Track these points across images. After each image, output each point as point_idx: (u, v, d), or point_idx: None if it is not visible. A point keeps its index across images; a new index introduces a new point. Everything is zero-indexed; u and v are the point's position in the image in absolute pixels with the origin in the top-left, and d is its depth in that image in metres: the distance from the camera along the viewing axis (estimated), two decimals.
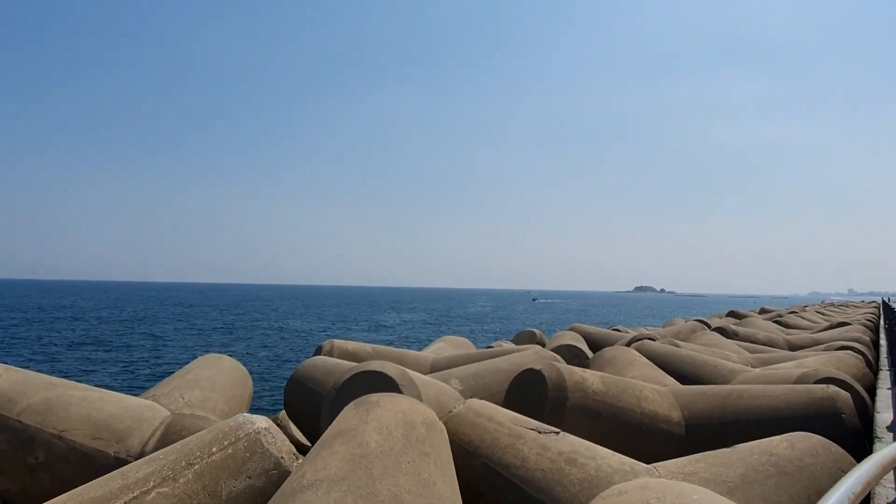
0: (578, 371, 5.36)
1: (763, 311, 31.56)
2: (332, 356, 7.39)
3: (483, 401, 4.65)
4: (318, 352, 7.51)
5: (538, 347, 6.70)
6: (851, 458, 4.21)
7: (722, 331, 12.38)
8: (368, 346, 7.64)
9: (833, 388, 5.33)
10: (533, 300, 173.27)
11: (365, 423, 3.63)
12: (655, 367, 7.02)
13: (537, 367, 5.34)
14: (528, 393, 5.31)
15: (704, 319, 15.75)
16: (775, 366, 8.05)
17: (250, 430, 3.80)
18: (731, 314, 25.22)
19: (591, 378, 5.33)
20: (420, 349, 13.02)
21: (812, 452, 4.18)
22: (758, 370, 7.64)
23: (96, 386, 5.69)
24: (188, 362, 7.02)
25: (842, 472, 4.07)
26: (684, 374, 7.58)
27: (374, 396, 3.93)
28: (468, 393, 5.76)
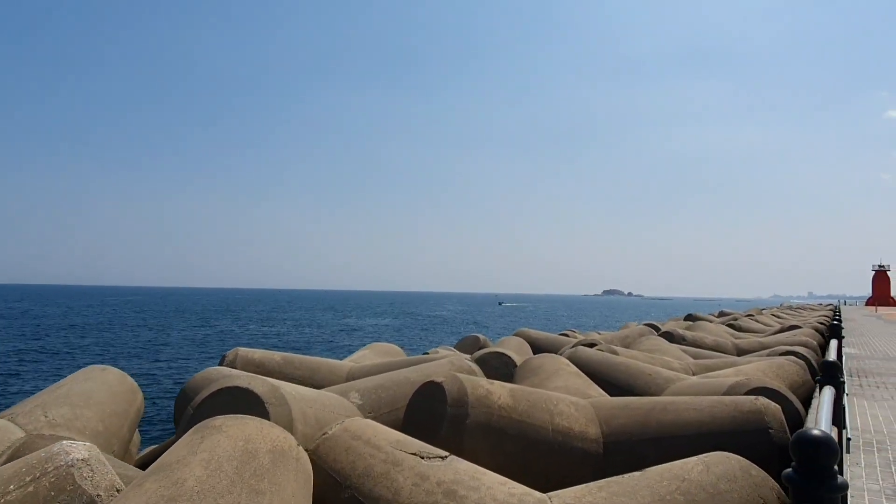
0: (484, 384, 4.81)
1: (721, 315, 31.68)
2: (235, 367, 6.73)
3: (367, 420, 4.06)
4: (222, 362, 6.85)
5: (455, 356, 6.15)
6: (773, 483, 3.73)
7: (669, 335, 12.03)
8: (277, 356, 7.00)
9: (762, 401, 4.89)
10: (499, 304, 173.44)
11: (193, 454, 3.02)
12: (584, 376, 6.53)
13: (438, 379, 4.78)
14: (427, 409, 4.74)
15: (655, 323, 15.46)
16: (713, 373, 7.66)
17: (61, 463, 3.15)
18: (688, 317, 25.14)
19: (498, 391, 4.79)
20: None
21: (729, 477, 3.69)
22: (694, 378, 7.22)
23: None
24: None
25: (761, 499, 3.59)
26: (617, 383, 7.13)
27: (219, 420, 3.32)
28: (368, 408, 5.17)
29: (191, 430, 3.32)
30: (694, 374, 8.64)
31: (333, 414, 4.58)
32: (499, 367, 7.41)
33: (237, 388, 4.00)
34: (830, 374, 3.48)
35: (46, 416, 5.21)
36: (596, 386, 6.39)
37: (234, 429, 3.22)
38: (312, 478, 3.46)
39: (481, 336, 12.93)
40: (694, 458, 3.91)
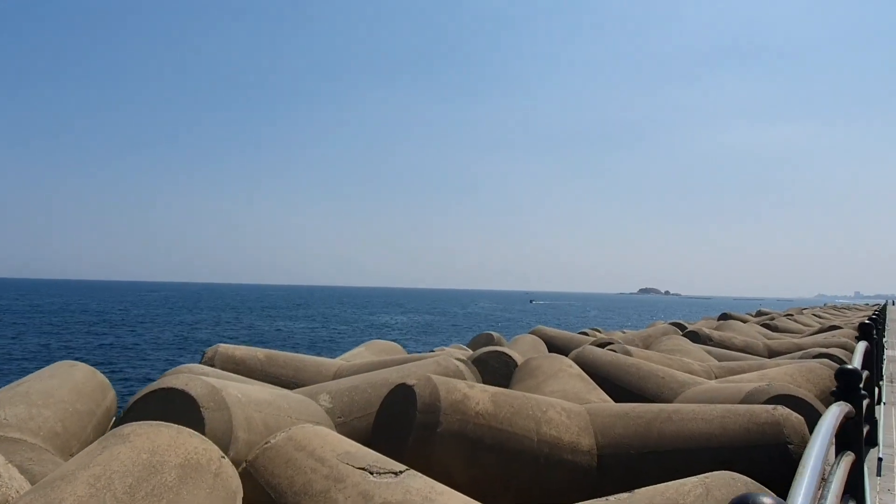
0: (462, 387, 4.30)
1: (759, 314, 30.39)
2: (213, 364, 6.35)
3: (318, 428, 3.60)
4: (203, 359, 6.48)
5: (442, 355, 5.65)
6: None
7: (694, 335, 11.30)
8: (261, 353, 6.60)
9: (782, 411, 4.26)
10: (531, 301, 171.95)
11: (85, 468, 2.60)
12: (586, 379, 5.95)
13: (410, 381, 4.29)
14: (397, 415, 4.25)
15: (681, 322, 14.66)
16: (736, 377, 6.98)
17: None
18: (722, 317, 24.11)
19: (477, 396, 4.27)
20: (410, 352, 11.96)
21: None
22: (713, 383, 6.57)
23: None
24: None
25: None
26: (627, 386, 6.53)
27: (129, 427, 2.90)
28: (338, 412, 4.71)
29: (98, 439, 2.92)
30: (715, 378, 7.97)
31: (291, 419, 4.13)
32: (499, 368, 6.88)
33: (172, 389, 3.57)
34: (846, 385, 2.86)
35: None
36: (599, 390, 5.81)
37: (141, 438, 2.79)
38: (239, 495, 3.01)
39: (494, 333, 12.38)
40: (694, 479, 3.34)
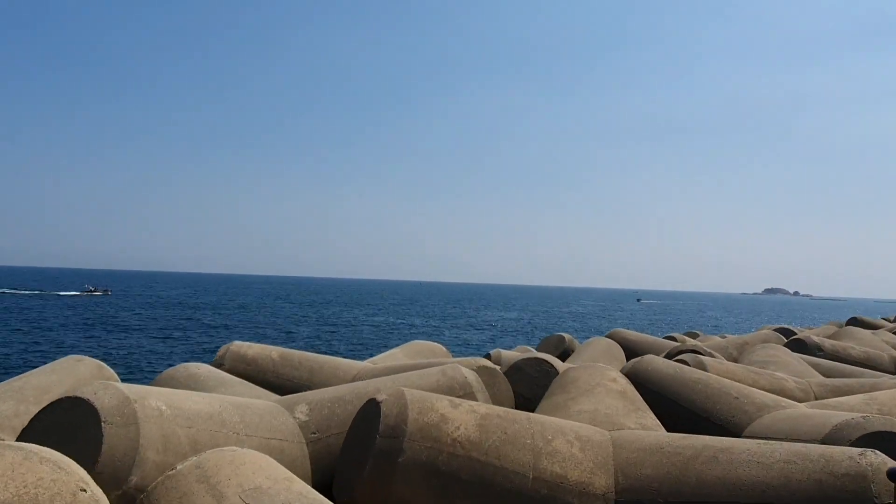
0: (441, 406, 3.49)
1: None
2: (223, 364, 5.95)
3: (238, 452, 2.94)
4: (215, 359, 6.10)
5: (454, 363, 4.83)
6: None
7: (800, 344, 9.64)
8: (276, 352, 6.11)
9: (873, 458, 3.09)
10: (638, 300, 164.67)
11: None
12: (632, 396, 4.91)
13: (381, 396, 3.54)
14: (361, 437, 3.52)
15: (790, 327, 12.76)
16: (836, 400, 5.62)
17: None
18: (851, 322, 21.25)
19: (459, 419, 3.44)
20: (482, 353, 11.26)
21: None
22: (802, 407, 5.28)
23: None
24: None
25: None
26: (690, 406, 5.40)
27: None
28: (314, 426, 4.06)
29: None
30: (815, 398, 6.57)
31: (236, 436, 3.52)
32: (537, 377, 5.97)
33: (78, 398, 3.07)
34: None
35: None
36: (646, 412, 4.76)
37: None
38: None
39: (566, 335, 11.33)
40: None
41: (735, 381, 6.52)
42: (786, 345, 9.91)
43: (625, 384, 5.12)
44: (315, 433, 4.03)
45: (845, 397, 5.62)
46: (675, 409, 5.48)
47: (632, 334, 11.11)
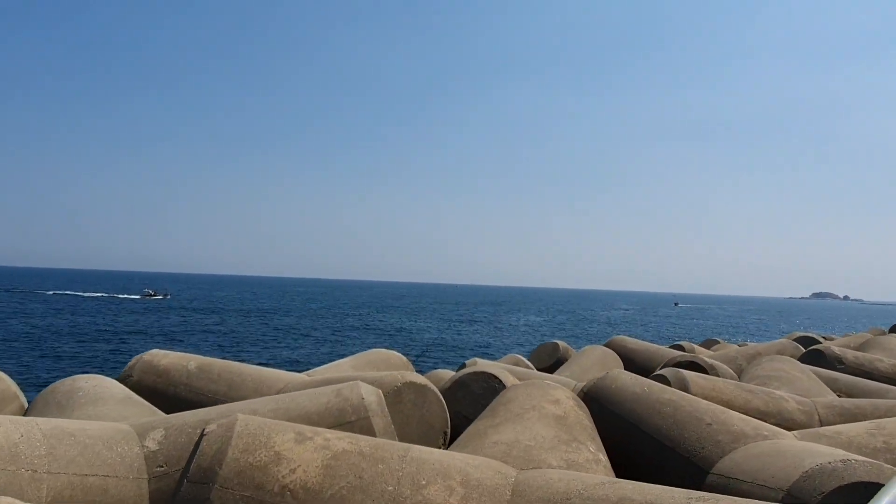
0: (283, 440, 2.75)
1: None
2: (130, 377, 5.34)
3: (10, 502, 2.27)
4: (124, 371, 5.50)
5: (354, 382, 4.06)
6: None
7: (817, 355, 8.58)
8: (194, 362, 5.47)
9: None
10: (675, 305, 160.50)
11: None
12: (571, 423, 4.07)
13: (211, 427, 2.84)
14: (182, 478, 2.82)
15: (812, 335, 11.57)
16: (842, 428, 4.67)
17: None
18: (894, 329, 19.67)
19: (301, 458, 2.70)
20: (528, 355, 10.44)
21: None
22: (790, 437, 4.37)
23: None
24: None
25: None
26: (654, 433, 4.54)
27: None
28: (161, 458, 3.37)
29: None
30: (819, 423, 5.62)
31: (35, 475, 2.85)
32: (482, 395, 5.18)
33: None
34: None
35: None
36: (588, 443, 3.92)
37: None
38: None
39: (561, 343, 10.45)
40: None
41: (722, 400, 5.62)
42: (802, 356, 8.86)
43: (569, 407, 4.29)
44: (162, 466, 3.33)
45: (848, 425, 4.67)
46: (638, 435, 4.63)
47: (632, 342, 10.17)
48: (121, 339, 41.82)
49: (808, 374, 6.98)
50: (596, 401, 4.98)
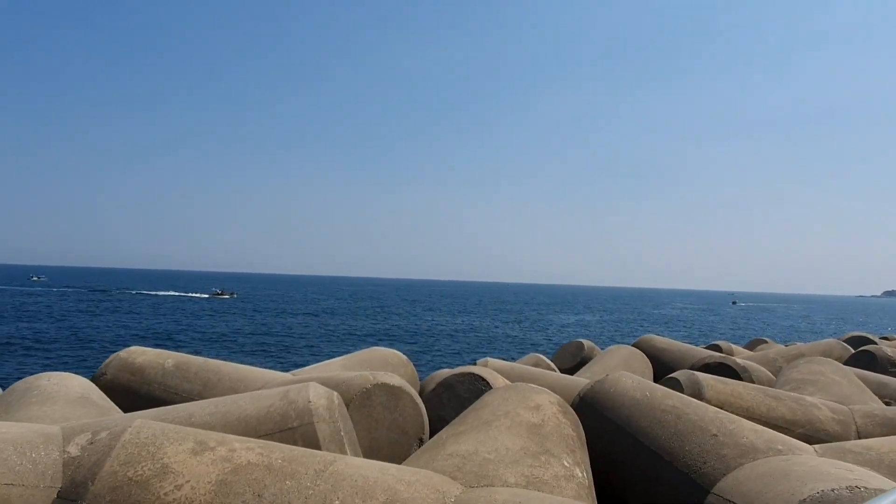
0: (178, 451, 2.41)
1: None
2: (105, 374, 5.16)
3: None
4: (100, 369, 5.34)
5: (304, 384, 3.69)
6: None
7: (868, 357, 7.75)
8: (171, 360, 5.25)
9: None
10: (733, 303, 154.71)
11: None
12: (543, 433, 3.58)
13: (101, 434, 2.53)
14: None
15: (867, 335, 10.56)
16: (863, 443, 4.03)
17: None
18: None
19: (192, 472, 2.36)
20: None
21: None
22: (810, 453, 3.77)
23: None
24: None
25: None
26: (652, 444, 4.03)
27: None
28: (81, 465, 3.10)
29: None
30: (857, 433, 4.96)
31: None
32: (469, 398, 4.75)
33: None
34: None
35: None
36: (563, 457, 3.44)
37: None
38: None
39: (586, 342, 9.87)
40: None
41: (741, 407, 5.03)
42: (849, 359, 8.05)
43: (550, 414, 3.82)
44: (84, 478, 3.06)
45: (885, 438, 4.03)
46: (634, 446, 4.13)
47: (662, 341, 9.50)
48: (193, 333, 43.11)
49: (850, 379, 6.25)
50: (591, 406, 4.49)
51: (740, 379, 7.08)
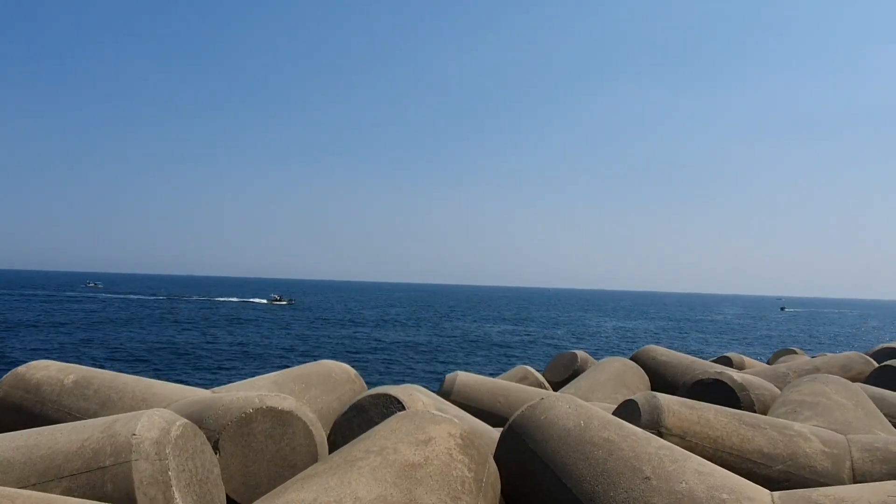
0: None
1: None
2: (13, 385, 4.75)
3: None
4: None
5: (134, 414, 3.10)
6: None
7: (892, 371, 6.77)
8: (72, 376, 4.78)
9: None
10: (781, 309, 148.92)
11: None
12: (416, 476, 2.92)
13: None
14: None
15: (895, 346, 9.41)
16: (848, 490, 3.22)
17: None
18: None
19: None
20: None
21: None
22: (762, 502, 3.00)
23: None
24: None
25: None
26: (577, 486, 3.33)
27: None
28: None
29: None
30: (852, 471, 4.13)
31: None
32: (376, 418, 4.14)
33: None
34: None
35: None
36: (432, 493, 2.78)
37: None
38: None
39: (580, 353, 9.09)
40: None
41: (710, 437, 4.26)
42: (870, 375, 7.08)
43: (440, 451, 3.15)
44: None
45: (857, 487, 3.21)
46: (557, 489, 3.42)
47: (663, 353, 8.64)
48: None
49: (859, 400, 5.34)
50: (518, 437, 3.81)
51: (737, 398, 6.25)
